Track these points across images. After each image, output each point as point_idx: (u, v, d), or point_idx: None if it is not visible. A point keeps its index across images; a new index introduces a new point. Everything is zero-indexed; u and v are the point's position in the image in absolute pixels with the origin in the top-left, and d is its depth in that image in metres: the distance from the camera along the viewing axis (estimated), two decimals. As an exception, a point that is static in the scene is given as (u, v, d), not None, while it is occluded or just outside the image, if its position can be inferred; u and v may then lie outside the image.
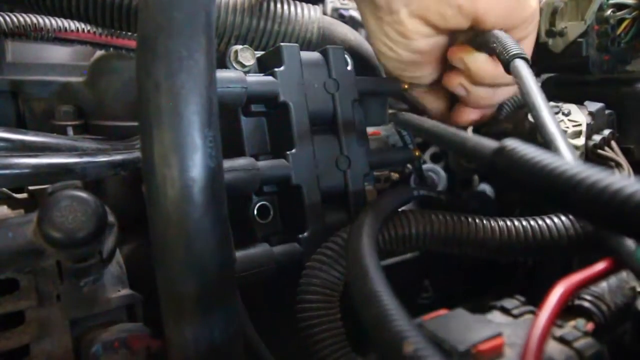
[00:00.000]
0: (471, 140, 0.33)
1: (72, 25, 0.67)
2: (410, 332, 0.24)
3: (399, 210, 0.48)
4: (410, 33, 0.50)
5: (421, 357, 0.22)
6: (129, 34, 0.64)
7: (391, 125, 0.69)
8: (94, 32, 0.67)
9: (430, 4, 0.47)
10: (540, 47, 0.57)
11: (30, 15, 0.65)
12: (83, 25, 0.67)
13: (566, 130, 0.53)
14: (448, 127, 0.40)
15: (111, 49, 0.69)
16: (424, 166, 0.71)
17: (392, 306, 0.27)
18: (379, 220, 0.41)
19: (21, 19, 0.64)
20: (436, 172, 0.71)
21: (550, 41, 0.56)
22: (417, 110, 0.62)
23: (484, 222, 0.46)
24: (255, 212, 0.48)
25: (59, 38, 0.67)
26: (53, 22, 0.66)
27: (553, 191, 0.24)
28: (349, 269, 0.32)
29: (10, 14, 0.64)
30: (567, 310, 0.41)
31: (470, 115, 0.57)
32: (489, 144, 0.31)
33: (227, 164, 0.43)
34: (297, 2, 0.60)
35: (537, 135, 0.54)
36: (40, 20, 0.65)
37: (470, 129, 0.64)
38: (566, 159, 0.31)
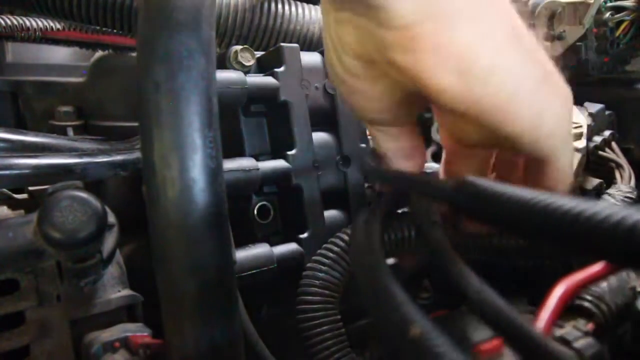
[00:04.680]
0: (433, 180, 0.34)
1: (59, 24, 0.67)
2: (417, 316, 0.24)
3: (398, 211, 0.48)
4: None
5: (428, 340, 0.22)
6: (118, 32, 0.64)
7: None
8: (80, 30, 0.67)
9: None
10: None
11: (17, 17, 0.65)
12: (69, 25, 0.67)
13: (567, 131, 0.53)
14: (411, 171, 0.40)
15: (98, 50, 0.69)
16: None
17: (398, 292, 0.27)
18: (383, 212, 0.41)
19: (8, 20, 0.64)
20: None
21: (549, 45, 0.56)
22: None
23: (484, 222, 0.46)
24: (256, 212, 0.48)
25: (48, 38, 0.67)
26: (40, 22, 0.66)
27: (516, 221, 0.24)
28: (353, 259, 0.32)
29: (5, 17, 0.64)
30: (568, 310, 0.41)
31: None
32: (450, 182, 0.31)
33: (227, 164, 0.43)
34: (298, 3, 0.60)
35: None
36: (27, 21, 0.65)
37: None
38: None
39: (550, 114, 0.31)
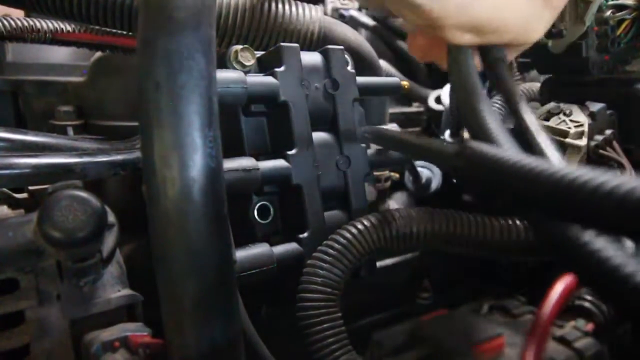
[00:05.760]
0: (435, 144, 0.35)
1: (69, 26, 0.67)
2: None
3: (398, 208, 0.48)
4: None
5: None
6: (127, 33, 0.64)
7: (392, 125, 0.69)
8: (91, 32, 0.66)
9: None
10: (539, 49, 0.57)
11: (27, 18, 0.65)
12: (80, 27, 0.67)
13: (568, 131, 0.53)
14: (413, 135, 0.41)
15: (107, 51, 0.68)
16: (420, 163, 0.71)
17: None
18: None
19: (19, 22, 0.64)
20: (431, 169, 0.71)
21: (549, 42, 0.56)
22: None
23: (485, 220, 0.46)
24: (256, 212, 0.48)
25: (58, 40, 0.66)
26: (50, 24, 0.66)
27: (517, 189, 0.24)
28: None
29: (8, 18, 0.64)
30: (567, 310, 0.41)
31: None
32: (451, 146, 0.31)
33: (227, 164, 0.43)
34: (298, 2, 0.60)
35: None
36: (37, 23, 0.65)
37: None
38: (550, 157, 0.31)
39: (544, 23, 0.39)
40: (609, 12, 0.54)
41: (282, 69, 0.48)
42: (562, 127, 0.54)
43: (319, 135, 0.50)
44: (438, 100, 0.84)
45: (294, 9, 0.59)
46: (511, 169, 0.23)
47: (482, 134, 0.33)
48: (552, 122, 0.55)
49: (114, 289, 0.40)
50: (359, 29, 1.05)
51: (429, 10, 0.36)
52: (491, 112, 0.35)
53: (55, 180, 0.42)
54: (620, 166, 0.53)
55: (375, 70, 0.66)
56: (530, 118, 0.35)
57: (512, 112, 0.38)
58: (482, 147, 0.27)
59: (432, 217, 0.47)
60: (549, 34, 0.55)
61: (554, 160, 0.31)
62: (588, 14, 0.52)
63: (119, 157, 0.47)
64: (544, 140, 0.33)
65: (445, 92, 0.80)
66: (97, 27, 0.63)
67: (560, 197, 0.21)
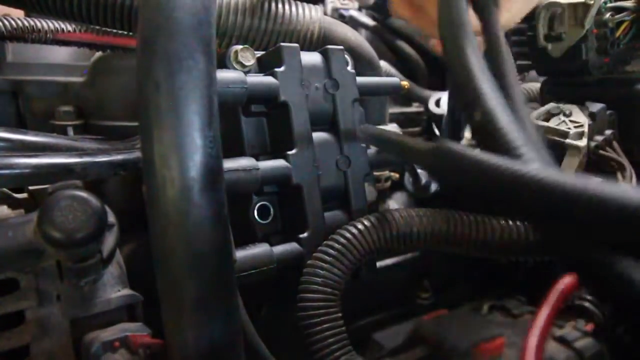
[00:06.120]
0: (411, 142, 0.34)
1: (70, 26, 0.67)
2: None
3: (398, 208, 0.48)
4: None
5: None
6: (128, 33, 0.64)
7: (392, 125, 0.69)
8: (92, 32, 0.66)
9: None
10: (539, 52, 0.57)
11: (28, 18, 0.65)
12: (80, 27, 0.67)
13: (568, 132, 0.53)
14: (397, 133, 0.41)
15: (108, 50, 0.68)
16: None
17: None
18: None
19: (19, 22, 0.64)
20: None
21: (549, 46, 0.56)
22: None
23: (485, 220, 0.46)
24: (256, 212, 0.48)
25: (59, 40, 0.66)
26: (50, 24, 0.66)
27: (487, 189, 0.24)
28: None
29: (9, 18, 0.64)
30: (567, 310, 0.41)
31: None
32: (427, 145, 0.31)
33: (227, 164, 0.43)
34: (298, 3, 0.60)
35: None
36: (38, 23, 0.65)
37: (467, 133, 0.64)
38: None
39: None
40: (608, 15, 0.54)
41: (282, 69, 0.49)
42: (562, 127, 0.54)
43: (319, 135, 0.50)
44: (438, 103, 0.85)
45: (294, 9, 0.59)
46: (487, 171, 0.23)
47: (466, 79, 0.31)
48: (552, 123, 0.55)
49: (114, 289, 0.40)
50: (359, 29, 1.05)
51: None
52: (478, 57, 0.32)
53: (55, 180, 0.42)
54: (620, 166, 0.53)
55: (375, 70, 0.66)
56: (510, 68, 0.34)
57: (492, 61, 0.35)
58: (457, 147, 0.27)
59: (432, 218, 0.47)
60: (548, 38, 0.55)
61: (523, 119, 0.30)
62: (587, 17, 0.52)
63: (119, 157, 0.47)
64: (517, 95, 0.32)
65: (445, 97, 0.81)
66: (97, 27, 0.63)
67: (535, 201, 0.20)
